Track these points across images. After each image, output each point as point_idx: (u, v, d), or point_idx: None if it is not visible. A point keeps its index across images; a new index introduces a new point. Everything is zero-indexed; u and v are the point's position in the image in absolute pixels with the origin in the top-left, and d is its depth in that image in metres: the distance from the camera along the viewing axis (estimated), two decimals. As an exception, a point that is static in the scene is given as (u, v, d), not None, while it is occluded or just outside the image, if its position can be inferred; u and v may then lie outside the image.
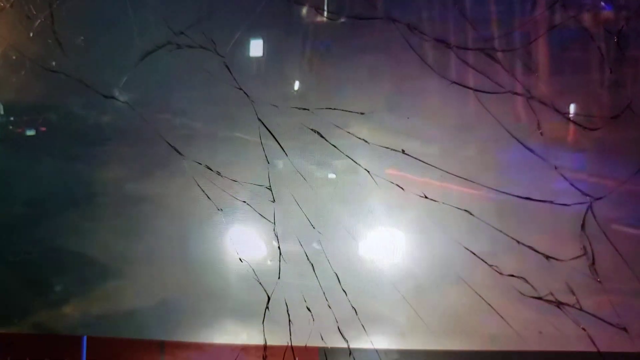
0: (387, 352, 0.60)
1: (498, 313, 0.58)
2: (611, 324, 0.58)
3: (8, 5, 0.71)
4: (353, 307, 0.60)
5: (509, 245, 0.59)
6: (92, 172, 0.67)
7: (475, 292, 0.59)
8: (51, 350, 0.67)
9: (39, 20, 0.70)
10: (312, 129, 0.62)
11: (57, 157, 0.68)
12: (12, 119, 0.71)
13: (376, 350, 0.60)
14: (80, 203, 0.68)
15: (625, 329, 0.57)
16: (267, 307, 0.62)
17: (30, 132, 0.70)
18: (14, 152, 0.70)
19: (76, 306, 0.67)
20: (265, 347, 0.62)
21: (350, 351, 0.61)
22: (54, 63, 0.70)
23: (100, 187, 0.67)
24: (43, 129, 0.70)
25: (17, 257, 0.69)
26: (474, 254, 0.59)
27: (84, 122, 0.68)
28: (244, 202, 0.63)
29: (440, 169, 0.60)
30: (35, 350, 0.67)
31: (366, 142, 0.61)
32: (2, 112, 0.71)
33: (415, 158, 0.61)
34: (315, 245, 0.62)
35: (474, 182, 0.60)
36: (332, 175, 0.63)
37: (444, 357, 0.60)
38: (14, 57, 0.71)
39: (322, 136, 0.62)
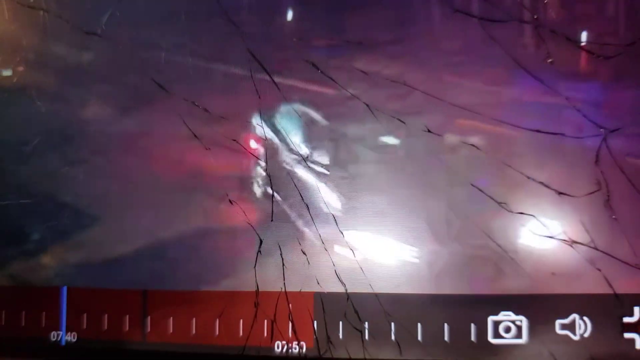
0: (386, 296, 0.57)
1: (507, 254, 0.55)
2: (628, 264, 0.54)
3: None
4: (351, 249, 0.57)
5: (518, 182, 0.56)
6: (72, 112, 0.64)
7: (483, 231, 0.55)
8: (29, 303, 0.64)
9: None
10: (307, 61, 0.59)
11: (35, 98, 0.65)
12: None
13: (375, 295, 0.57)
14: (57, 145, 0.64)
15: None
16: (259, 251, 0.58)
17: (7, 73, 0.67)
18: None
19: (54, 256, 0.64)
20: (257, 293, 0.58)
21: (347, 296, 0.57)
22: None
23: (79, 128, 0.64)
24: (20, 68, 0.67)
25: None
26: (481, 190, 0.56)
27: (63, 61, 0.65)
28: (234, 140, 0.60)
29: (444, 100, 0.57)
30: (13, 303, 0.64)
31: (365, 73, 0.58)
32: None
33: (417, 89, 0.57)
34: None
35: (479, 114, 0.56)
36: (324, 113, 0.59)
37: (449, 301, 0.57)
38: None
39: (317, 68, 0.59)
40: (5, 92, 0.66)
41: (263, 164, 0.59)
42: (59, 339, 0.63)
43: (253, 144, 0.60)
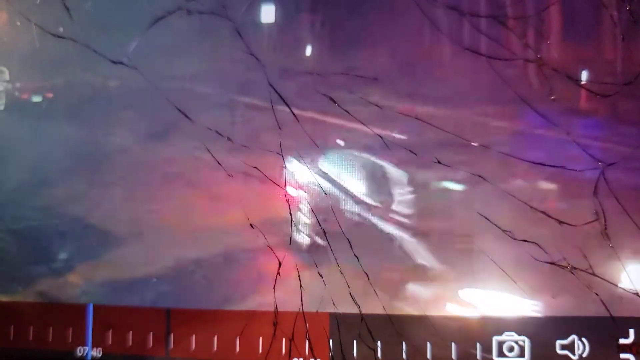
0: (398, 317, 0.61)
1: (511, 278, 0.59)
2: (623, 289, 0.58)
3: None
4: (365, 272, 0.61)
5: (522, 211, 0.60)
6: (99, 138, 0.68)
7: (488, 256, 0.59)
8: (56, 319, 0.67)
9: None
10: (324, 94, 0.63)
11: (63, 124, 0.69)
12: (18, 85, 0.71)
13: (388, 316, 0.60)
14: (87, 169, 0.68)
15: (637, 294, 0.58)
16: (278, 273, 0.62)
17: (37, 99, 0.71)
18: (20, 119, 0.71)
19: (81, 274, 0.68)
20: (276, 314, 0.62)
21: (362, 317, 0.61)
22: (61, 29, 0.71)
23: (107, 153, 0.68)
24: (49, 95, 0.70)
25: (21, 225, 0.69)
26: (487, 219, 0.60)
27: (91, 88, 0.69)
28: (255, 167, 0.64)
29: (454, 134, 0.61)
30: (40, 319, 0.67)
31: (379, 107, 0.62)
32: (7, 79, 0.71)
33: (427, 123, 0.61)
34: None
35: (486, 148, 0.60)
36: (341, 142, 0.63)
37: (452, 323, 0.60)
38: (18, 24, 0.72)
39: (334, 101, 0.63)
40: (35, 118, 0.70)
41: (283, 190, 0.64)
42: (85, 354, 0.66)
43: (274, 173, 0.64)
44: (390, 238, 0.62)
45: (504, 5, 0.63)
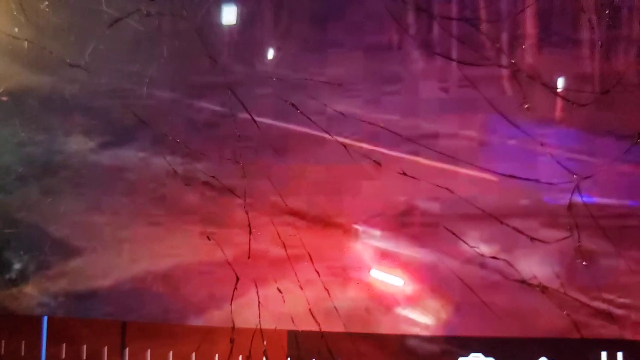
0: (360, 336, 0.59)
1: (478, 297, 0.57)
2: (596, 309, 0.56)
3: None
4: (326, 288, 0.59)
5: (492, 226, 0.58)
6: (54, 144, 0.66)
7: (455, 274, 0.57)
8: (9, 331, 0.66)
9: None
10: (286, 101, 0.61)
11: (18, 128, 0.67)
12: None
13: (348, 334, 0.59)
14: (41, 176, 0.67)
15: (610, 315, 0.56)
16: (235, 288, 0.60)
17: None
18: None
19: (35, 285, 0.66)
20: (233, 330, 0.60)
21: (322, 334, 0.59)
22: (16, 29, 0.69)
23: (61, 159, 0.66)
24: (4, 98, 0.69)
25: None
26: (454, 234, 0.58)
27: (47, 92, 0.67)
28: (213, 177, 0.62)
29: (420, 144, 0.59)
30: None
31: (343, 115, 0.60)
32: None
33: (394, 133, 0.59)
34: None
35: (454, 158, 0.58)
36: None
37: (422, 341, 0.59)
38: None
39: (297, 108, 0.61)
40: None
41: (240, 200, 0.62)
42: None
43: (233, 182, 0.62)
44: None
45: (477, 7, 0.61)
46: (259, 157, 0.62)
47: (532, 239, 0.58)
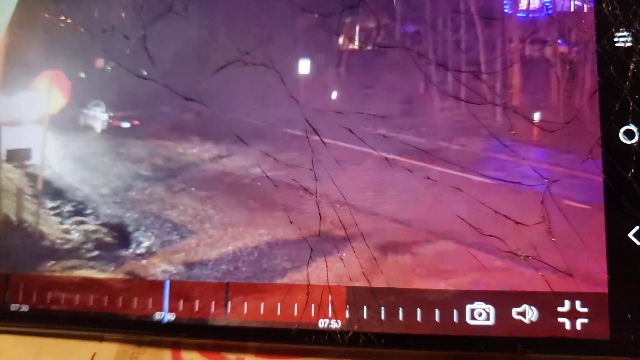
0: (396, 290, 0.84)
1: (480, 262, 0.82)
2: (561, 271, 0.77)
3: (110, 28, 0.96)
4: (374, 257, 0.84)
5: (489, 214, 0.83)
6: (177, 155, 0.92)
7: (463, 246, 0.83)
8: (140, 292, 0.89)
9: (134, 40, 0.95)
10: (344, 127, 0.87)
11: (148, 143, 0.93)
12: (112, 114, 0.96)
13: (390, 288, 0.84)
14: (165, 178, 0.92)
15: (571, 275, 0.77)
16: (310, 257, 0.86)
17: (126, 125, 0.95)
18: (112, 139, 0.95)
19: (160, 258, 0.91)
20: (308, 286, 0.86)
21: (371, 289, 0.84)
22: (145, 72, 0.93)
23: (183, 166, 0.91)
24: (136, 122, 0.95)
25: (114, 220, 0.93)
26: (463, 219, 0.83)
27: (169, 118, 0.93)
28: (294, 180, 0.88)
29: (439, 158, 0.85)
30: (127, 292, 0.90)
31: (384, 137, 0.86)
32: (103, 109, 0.96)
33: (420, 149, 0.85)
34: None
35: (463, 168, 0.84)
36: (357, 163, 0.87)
37: (439, 294, 0.83)
38: (109, 68, 0.96)
39: (352, 132, 0.87)
40: (124, 138, 0.94)
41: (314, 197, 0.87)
42: (161, 318, 0.86)
43: (308, 183, 0.87)
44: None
45: (479, 63, 0.85)
46: (326, 167, 0.87)
47: (517, 222, 0.80)
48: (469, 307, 0.79)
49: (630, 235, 0.77)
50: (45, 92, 0.94)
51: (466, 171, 0.82)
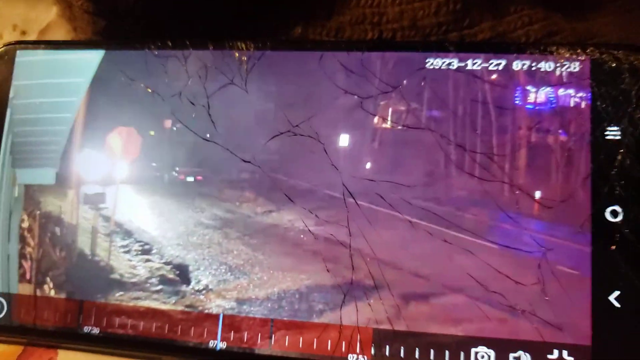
0: (414, 334, 1.02)
1: (484, 313, 0.99)
2: (552, 325, 0.89)
3: (178, 94, 1.14)
4: (397, 303, 1.02)
5: (494, 274, 0.99)
6: (234, 207, 1.09)
7: (472, 300, 1.01)
8: (197, 322, 1.01)
9: (199, 106, 1.12)
10: (375, 193, 1.05)
11: (209, 196, 1.11)
12: (177, 169, 1.13)
13: (408, 331, 1.01)
14: (224, 227, 1.09)
15: (560, 328, 0.88)
16: (342, 301, 1.03)
17: (190, 179, 1.12)
18: (179, 191, 1.11)
19: (215, 294, 1.08)
20: (340, 326, 1.02)
21: (393, 332, 1.02)
22: (208, 135, 1.06)
23: (239, 217, 1.09)
24: (199, 178, 1.12)
25: (179, 259, 1.10)
26: (472, 276, 1.00)
27: (228, 176, 1.11)
28: (331, 235, 1.05)
29: (455, 224, 1.02)
30: (186, 322, 1.07)
31: (409, 203, 1.04)
32: (175, 167, 1.13)
33: (439, 216, 1.03)
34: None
35: (474, 234, 1.02)
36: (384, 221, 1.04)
37: (444, 339, 1.00)
38: (174, 129, 1.13)
39: (382, 197, 1.05)
40: (188, 190, 1.12)
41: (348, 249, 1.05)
42: (215, 346, 0.97)
43: (344, 238, 1.05)
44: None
45: (492, 146, 0.96)
46: (359, 225, 1.04)
47: (517, 282, 0.93)
48: (473, 350, 0.91)
49: (611, 298, 0.88)
50: (119, 146, 1.11)
51: (477, 237, 0.94)
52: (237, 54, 1.02)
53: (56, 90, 1.07)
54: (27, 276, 1.07)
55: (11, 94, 1.08)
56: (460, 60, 0.97)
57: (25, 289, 1.05)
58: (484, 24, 1.00)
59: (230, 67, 1.02)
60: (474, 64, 0.96)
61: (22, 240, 1.05)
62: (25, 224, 1.08)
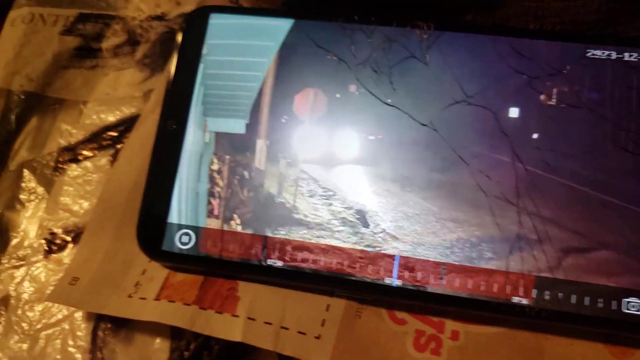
0: (571, 282, 1.18)
1: (636, 269, 1.17)
2: None
3: (362, 63, 1.30)
4: (557, 256, 1.19)
5: None
6: (414, 167, 1.27)
7: (623, 256, 1.18)
8: (373, 262, 1.24)
9: (381, 74, 1.29)
10: (542, 160, 1.23)
11: (388, 154, 1.27)
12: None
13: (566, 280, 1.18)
14: (402, 181, 1.26)
15: None
16: (509, 251, 1.20)
17: (372, 137, 1.28)
18: (362, 148, 1.28)
19: (393, 237, 1.24)
20: (507, 272, 1.20)
21: (553, 279, 1.19)
22: (389, 100, 1.18)
23: (415, 174, 1.26)
24: (380, 137, 1.26)
25: (359, 205, 1.26)
26: (624, 235, 1.17)
27: (407, 137, 1.27)
28: (501, 194, 1.22)
29: (607, 189, 1.16)
30: (363, 260, 1.24)
31: (570, 170, 1.22)
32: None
33: (594, 180, 1.17)
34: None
35: (628, 199, 1.18)
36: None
37: (597, 288, 1.18)
38: (357, 93, 1.30)
39: (547, 163, 1.22)
40: (370, 147, 1.28)
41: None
42: (391, 282, 1.10)
43: None
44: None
45: None
46: (526, 187, 1.19)
47: None
48: (624, 300, 1.02)
49: None
50: (308, 105, 1.28)
51: (630, 203, 1.06)
52: (418, 32, 1.19)
53: (247, 50, 1.22)
54: (215, 212, 1.23)
55: (204, 51, 1.25)
56: (617, 53, 1.15)
57: (213, 224, 1.21)
58: (637, 23, 1.18)
59: (411, 42, 1.18)
60: (630, 56, 1.14)
61: (211, 180, 1.21)
62: (215, 167, 1.24)
